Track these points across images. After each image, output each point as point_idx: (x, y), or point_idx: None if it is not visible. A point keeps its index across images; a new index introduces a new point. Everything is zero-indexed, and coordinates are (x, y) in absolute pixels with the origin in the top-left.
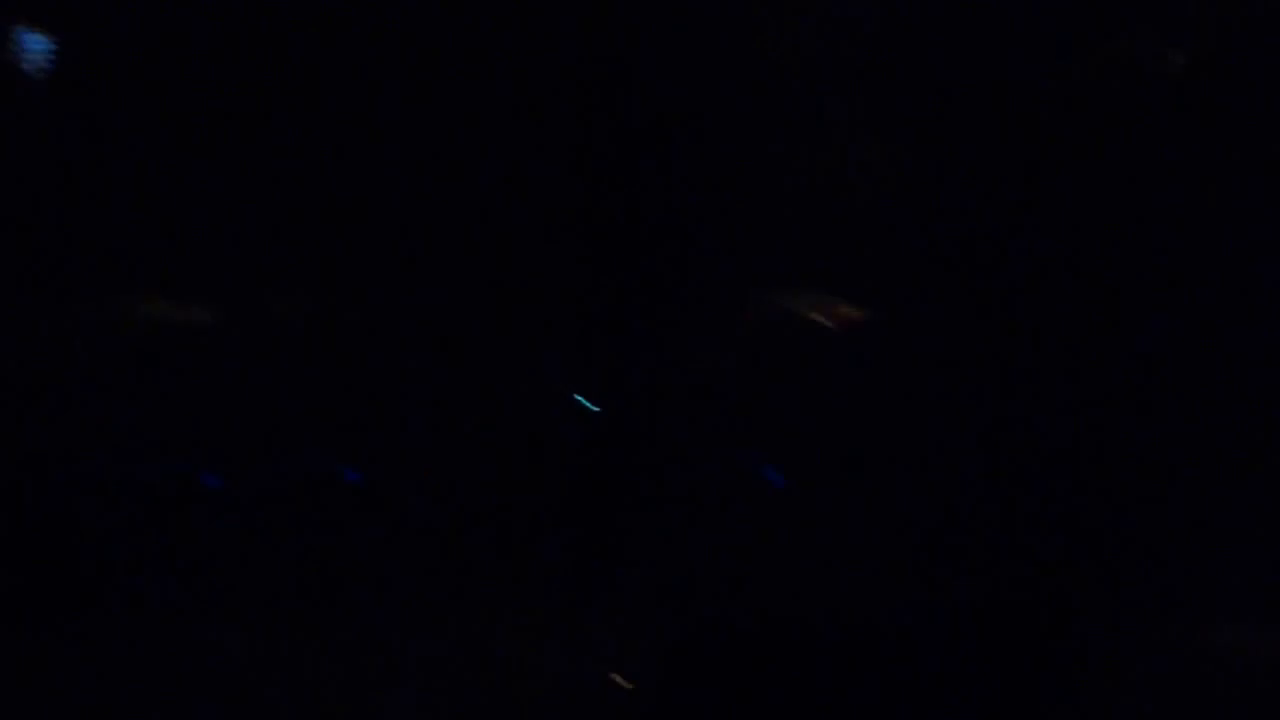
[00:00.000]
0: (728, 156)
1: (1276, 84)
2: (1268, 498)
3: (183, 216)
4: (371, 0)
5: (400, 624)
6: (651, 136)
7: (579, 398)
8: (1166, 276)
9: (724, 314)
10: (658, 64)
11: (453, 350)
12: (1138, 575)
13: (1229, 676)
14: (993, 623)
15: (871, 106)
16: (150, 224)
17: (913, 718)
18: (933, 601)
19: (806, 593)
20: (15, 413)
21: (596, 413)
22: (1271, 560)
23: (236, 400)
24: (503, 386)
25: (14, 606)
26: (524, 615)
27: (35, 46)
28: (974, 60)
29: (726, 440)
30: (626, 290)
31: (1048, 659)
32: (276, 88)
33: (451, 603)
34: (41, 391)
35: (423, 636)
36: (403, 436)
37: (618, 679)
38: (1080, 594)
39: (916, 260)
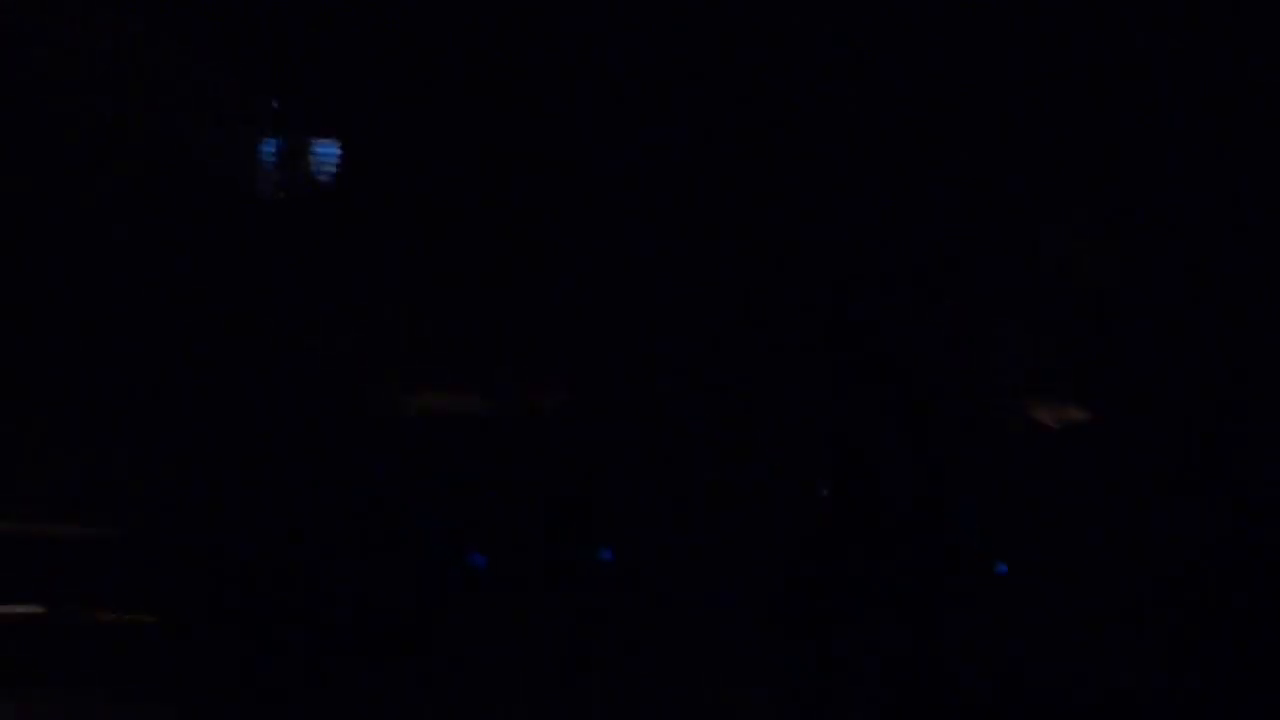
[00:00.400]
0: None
1: None
2: None
3: (454, 316)
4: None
5: (652, 698)
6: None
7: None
8: None
9: (961, 417)
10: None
11: (704, 443)
12: None
13: None
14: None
15: (1091, 214)
16: (424, 323)
17: None
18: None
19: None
20: (299, 489)
21: (837, 502)
22: None
23: (502, 485)
24: (748, 477)
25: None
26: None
27: (328, 155)
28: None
29: (956, 534)
30: (868, 395)
31: None
32: (553, 203)
33: (698, 679)
34: (329, 472)
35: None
36: (652, 522)
37: None
38: None
39: (1141, 365)
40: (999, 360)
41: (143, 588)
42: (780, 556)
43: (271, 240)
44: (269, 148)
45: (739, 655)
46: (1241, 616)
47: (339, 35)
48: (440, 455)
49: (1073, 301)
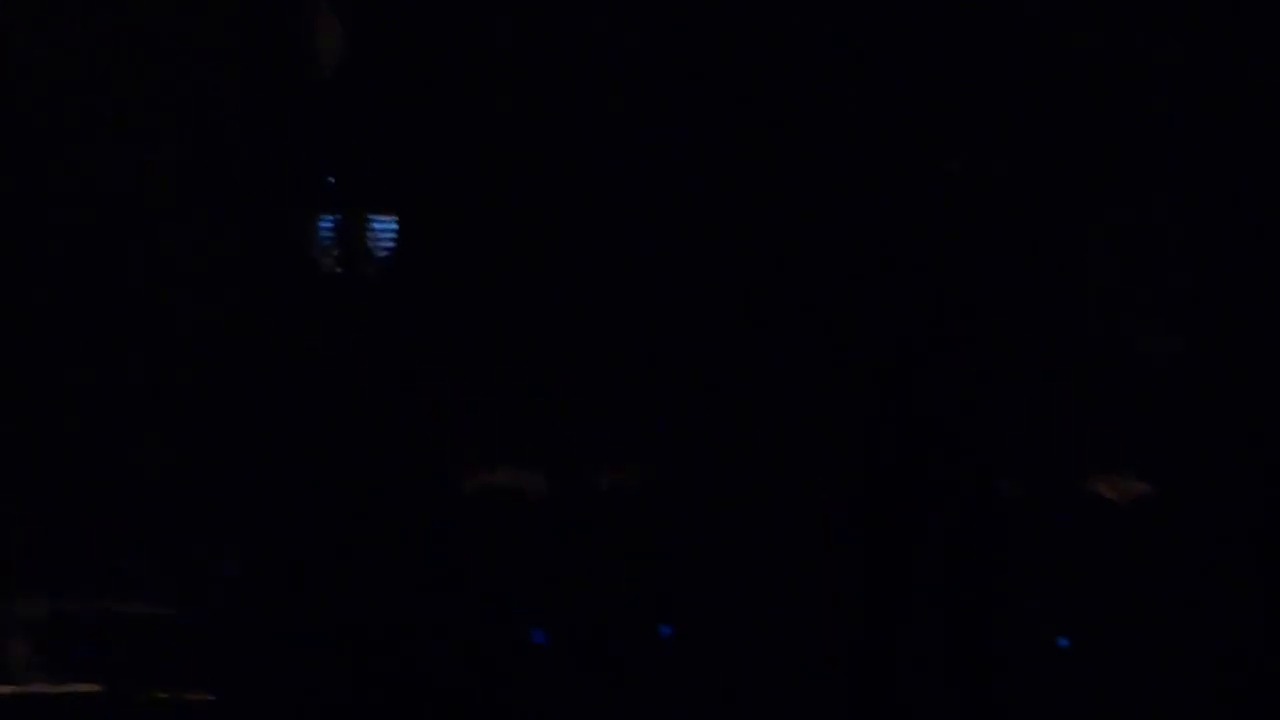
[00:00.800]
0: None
1: None
2: None
3: (514, 389)
4: None
5: None
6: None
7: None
8: None
9: (1025, 494)
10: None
11: (760, 523)
12: None
13: None
14: None
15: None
16: (484, 397)
17: None
18: None
19: None
20: (360, 566)
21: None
22: None
23: (564, 562)
24: (802, 566)
25: None
26: None
27: (384, 230)
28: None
29: (1023, 610)
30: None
31: None
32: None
33: None
34: (393, 548)
35: None
36: (711, 597)
37: None
38: None
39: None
40: (1060, 433)
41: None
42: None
43: (332, 315)
44: (326, 223)
45: None
46: None
47: (392, 108)
48: (501, 532)
49: (1138, 374)
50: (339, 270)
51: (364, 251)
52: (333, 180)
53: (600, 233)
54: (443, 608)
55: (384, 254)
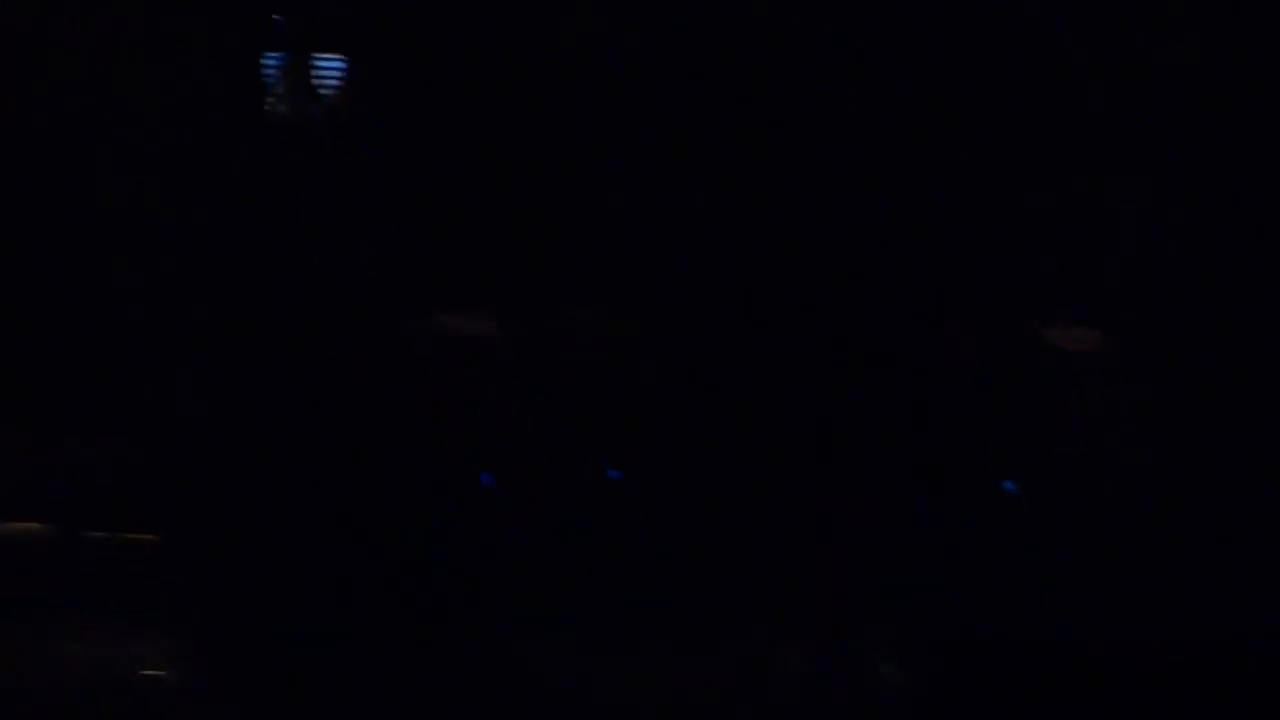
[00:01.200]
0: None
1: None
2: None
3: (462, 235)
4: None
5: (663, 628)
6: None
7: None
8: None
9: (973, 338)
10: None
11: (715, 364)
12: None
13: None
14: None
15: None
16: (431, 243)
17: None
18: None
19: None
20: (329, 414)
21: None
22: None
23: (517, 407)
24: (755, 400)
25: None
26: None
27: (330, 68)
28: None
29: (972, 457)
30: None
31: None
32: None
33: (716, 613)
34: (341, 394)
35: (678, 642)
36: (663, 443)
37: None
38: None
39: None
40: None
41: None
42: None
43: (275, 156)
44: (270, 62)
45: (739, 581)
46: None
47: None
48: (450, 377)
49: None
50: (285, 109)
51: (310, 91)
52: (279, 19)
53: (544, 64)
54: (393, 451)
55: (330, 93)
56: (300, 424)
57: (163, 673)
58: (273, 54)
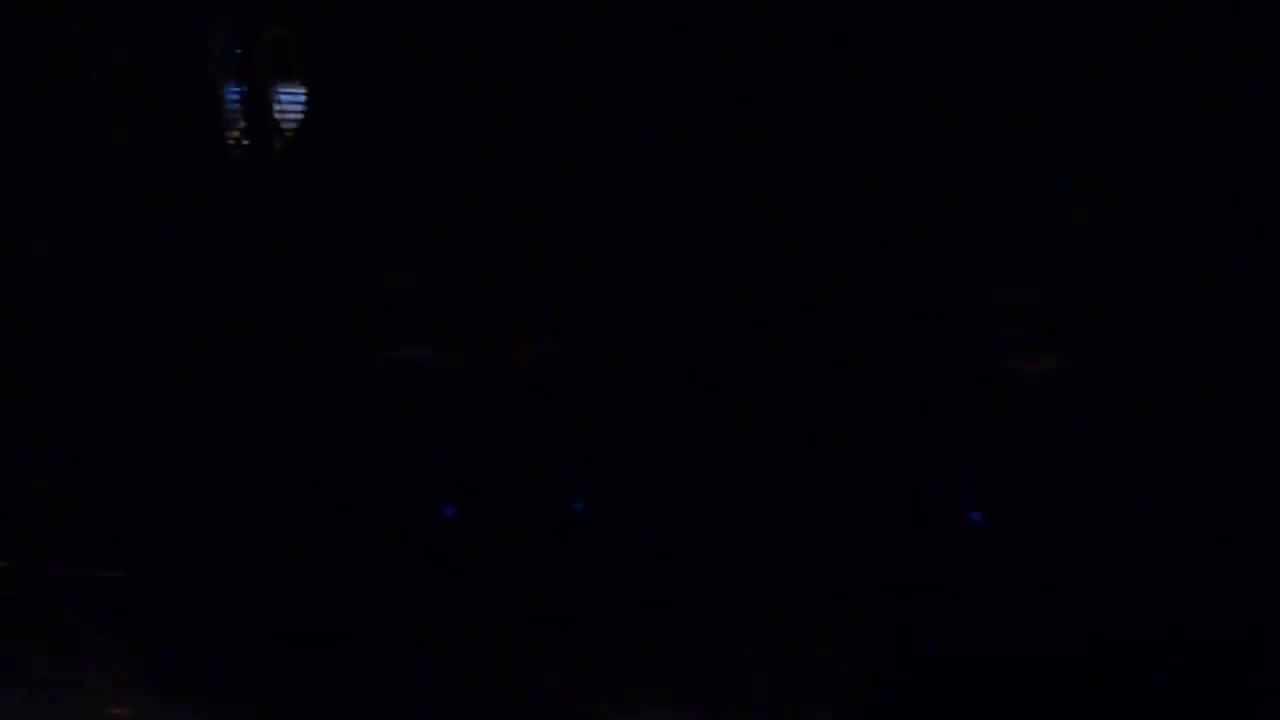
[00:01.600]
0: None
1: None
2: None
3: (426, 267)
4: None
5: (624, 646)
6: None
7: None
8: None
9: (930, 364)
10: None
11: (670, 397)
12: None
13: None
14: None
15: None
16: (394, 274)
17: None
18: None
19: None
20: (266, 437)
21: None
22: None
23: (475, 436)
24: (709, 440)
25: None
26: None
27: (290, 101)
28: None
29: (930, 482)
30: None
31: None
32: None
33: (668, 625)
34: (300, 424)
35: (642, 655)
36: (625, 468)
37: None
38: None
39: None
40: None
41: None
42: (756, 507)
43: (236, 188)
44: (232, 94)
45: (711, 609)
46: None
47: None
48: (414, 406)
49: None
50: (245, 142)
51: (271, 123)
52: (240, 51)
53: (510, 97)
54: (355, 480)
55: (291, 126)
56: (264, 460)
57: (126, 711)
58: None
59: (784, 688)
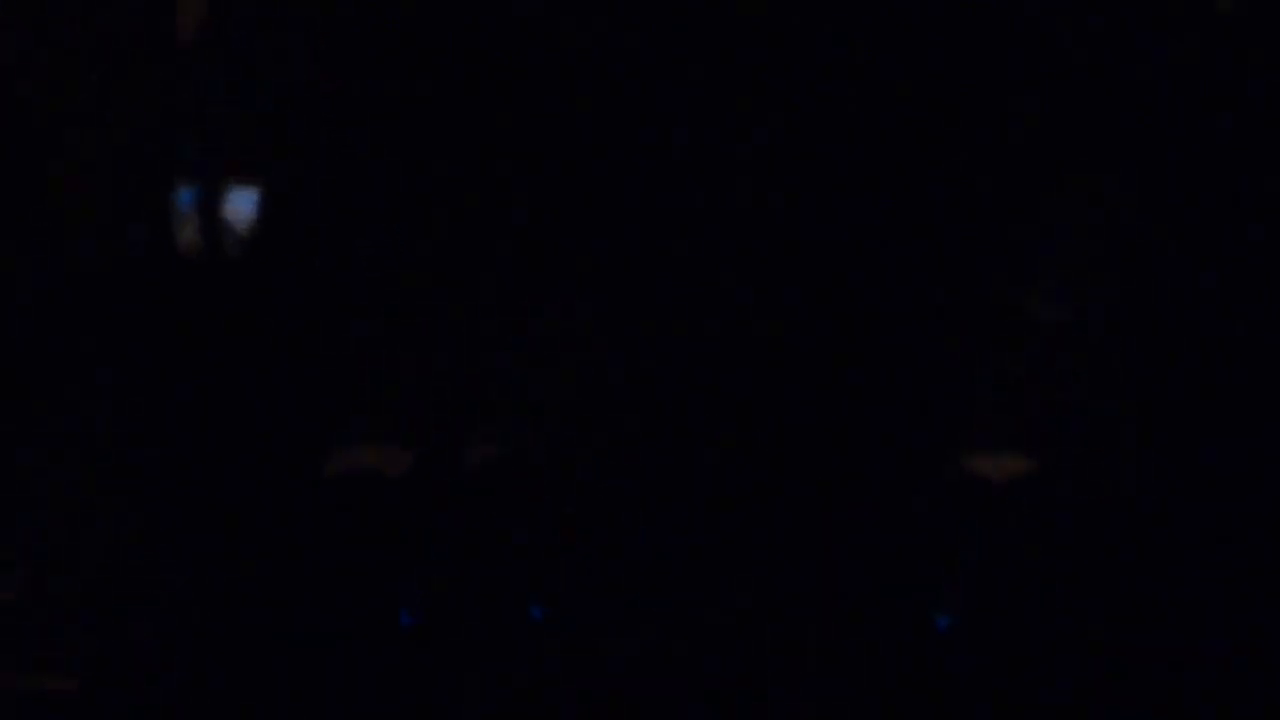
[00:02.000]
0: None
1: None
2: None
3: (381, 368)
4: None
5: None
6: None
7: None
8: None
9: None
10: None
11: (633, 500)
12: None
13: None
14: None
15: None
16: (349, 376)
17: None
18: None
19: None
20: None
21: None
22: None
23: (433, 538)
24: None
25: None
26: None
27: (244, 204)
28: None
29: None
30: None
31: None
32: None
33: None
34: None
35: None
36: (592, 575)
37: None
38: None
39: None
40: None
41: None
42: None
43: (189, 293)
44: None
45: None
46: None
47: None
48: (366, 513)
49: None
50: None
51: (223, 225)
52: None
53: (464, 204)
54: (308, 589)
55: (245, 227)
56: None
57: None
58: None
59: None
